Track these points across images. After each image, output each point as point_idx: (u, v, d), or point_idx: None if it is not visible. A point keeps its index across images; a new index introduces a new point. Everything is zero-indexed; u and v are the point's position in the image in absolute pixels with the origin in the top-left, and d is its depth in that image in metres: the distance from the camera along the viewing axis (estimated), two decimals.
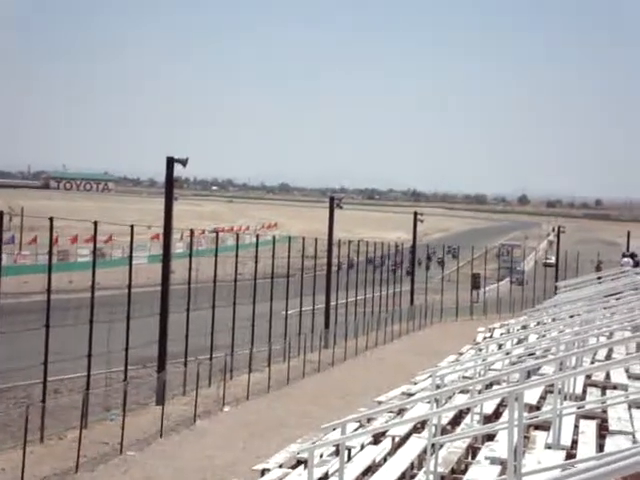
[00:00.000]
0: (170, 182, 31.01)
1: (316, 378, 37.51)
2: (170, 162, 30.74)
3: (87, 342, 26.50)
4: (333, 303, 49.95)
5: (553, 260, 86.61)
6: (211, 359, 33.78)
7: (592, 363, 18.95)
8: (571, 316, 25.84)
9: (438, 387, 17.10)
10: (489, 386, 18.47)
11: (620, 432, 12.96)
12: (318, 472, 14.30)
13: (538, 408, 15.53)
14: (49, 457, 22.52)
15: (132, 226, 30.39)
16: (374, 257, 61.89)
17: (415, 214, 67.29)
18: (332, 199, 51.76)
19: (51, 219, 25.51)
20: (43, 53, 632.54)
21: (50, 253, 26.65)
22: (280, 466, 16.82)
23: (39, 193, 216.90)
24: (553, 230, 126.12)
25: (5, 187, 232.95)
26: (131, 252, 30.99)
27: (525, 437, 12.95)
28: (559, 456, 12.05)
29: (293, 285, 44.35)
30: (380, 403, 21.73)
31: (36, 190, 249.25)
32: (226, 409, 29.91)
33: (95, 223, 27.68)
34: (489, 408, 16.43)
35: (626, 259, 44.36)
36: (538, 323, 29.72)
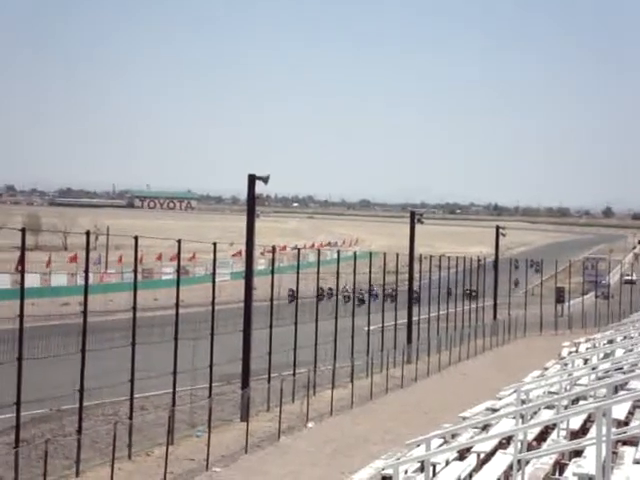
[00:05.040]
0: (252, 199, 31.24)
1: (399, 394, 37.38)
2: (252, 179, 31.00)
3: (172, 359, 26.75)
4: (415, 318, 49.74)
5: (634, 277, 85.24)
6: (294, 375, 33.83)
7: None
8: None
9: (523, 402, 16.97)
10: (575, 401, 18.24)
11: None
12: None
13: (626, 423, 15.31)
14: (137, 474, 22.78)
15: (215, 243, 30.63)
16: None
17: (497, 228, 66.74)
18: (413, 214, 51.61)
19: (136, 238, 25.84)
20: (128, 77, 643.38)
21: (135, 271, 27.00)
22: None
23: (124, 212, 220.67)
24: (639, 243, 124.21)
25: (91, 206, 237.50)
26: (214, 269, 31.20)
27: (613, 453, 12.77)
28: None
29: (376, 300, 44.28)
30: (464, 419, 21.59)
31: (121, 209, 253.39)
32: (310, 425, 29.96)
33: (179, 241, 27.96)
34: (576, 424, 16.23)
35: None
36: (625, 337, 29.28)
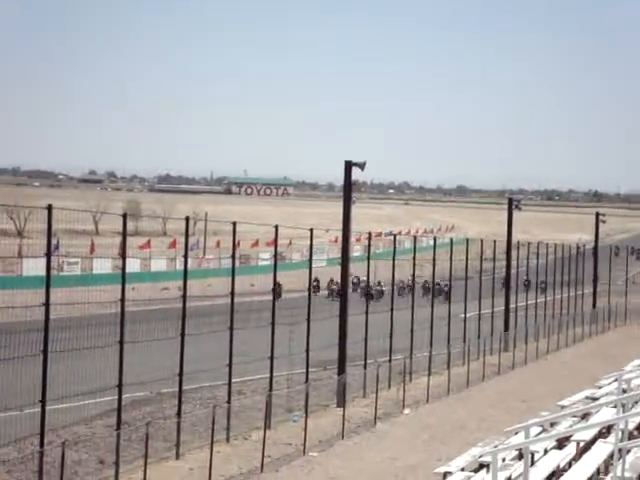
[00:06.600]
0: (348, 186, 31.25)
1: (496, 381, 37.11)
2: (348, 166, 31.00)
3: (269, 344, 26.96)
4: (512, 305, 49.28)
5: None
6: (390, 361, 33.82)
7: None
8: None
9: (624, 391, 16.71)
10: None
11: None
12: (501, 476, 14.17)
13: None
14: (235, 457, 23.04)
15: (311, 229, 30.69)
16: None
17: (597, 215, 65.77)
18: (511, 201, 51.15)
19: (234, 223, 26.06)
20: (226, 65, 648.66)
21: (233, 257, 27.20)
22: (462, 469, 16.76)
23: (222, 198, 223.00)
24: None
25: (190, 193, 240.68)
26: (310, 255, 31.31)
27: None
28: None
29: (472, 288, 43.95)
30: (563, 407, 21.36)
31: (219, 195, 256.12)
32: (406, 412, 29.95)
33: (276, 227, 28.12)
34: None
35: None
36: None
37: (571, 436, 15.94)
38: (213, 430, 21.65)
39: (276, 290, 51.15)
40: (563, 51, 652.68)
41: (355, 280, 56.61)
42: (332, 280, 61.25)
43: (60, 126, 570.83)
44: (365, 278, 51.98)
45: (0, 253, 60.66)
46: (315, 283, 50.07)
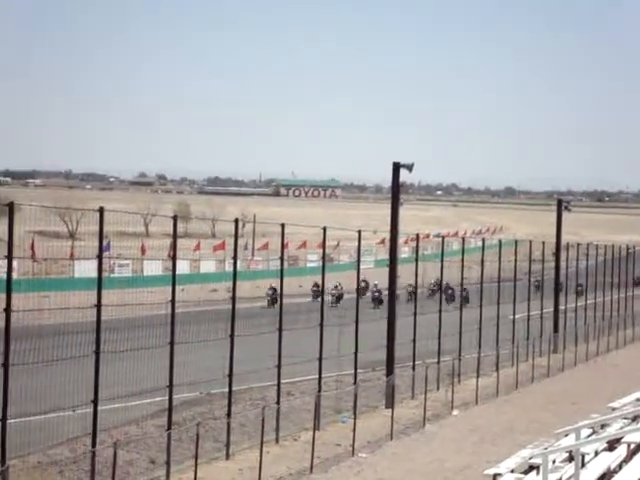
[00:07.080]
0: (396, 187, 31.24)
1: (545, 383, 36.93)
2: (396, 167, 31.01)
3: (317, 345, 27.02)
4: (562, 307, 48.95)
5: None
6: (439, 363, 33.76)
7: None
8: None
9: None
10: None
11: None
12: (551, 478, 14.14)
13: None
14: (285, 458, 23.12)
15: (359, 231, 30.69)
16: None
17: None
18: (560, 202, 50.84)
19: (282, 225, 26.16)
20: (274, 66, 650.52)
21: (282, 259, 27.29)
22: (512, 471, 16.73)
23: (270, 200, 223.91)
24: None
25: (238, 195, 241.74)
26: (359, 257, 31.33)
27: None
28: None
29: (520, 289, 43.73)
30: (614, 409, 21.23)
31: (267, 197, 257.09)
32: (455, 413, 29.91)
33: (324, 229, 28.17)
34: None
35: None
36: None
37: (622, 438, 15.87)
38: (263, 431, 21.75)
39: (272, 296, 50.36)
40: (619, 53, 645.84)
41: (363, 284, 55.62)
42: (336, 286, 57.63)
43: (112, 129, 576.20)
44: (376, 282, 51.71)
45: (53, 255, 61.46)
46: (315, 288, 48.94)
